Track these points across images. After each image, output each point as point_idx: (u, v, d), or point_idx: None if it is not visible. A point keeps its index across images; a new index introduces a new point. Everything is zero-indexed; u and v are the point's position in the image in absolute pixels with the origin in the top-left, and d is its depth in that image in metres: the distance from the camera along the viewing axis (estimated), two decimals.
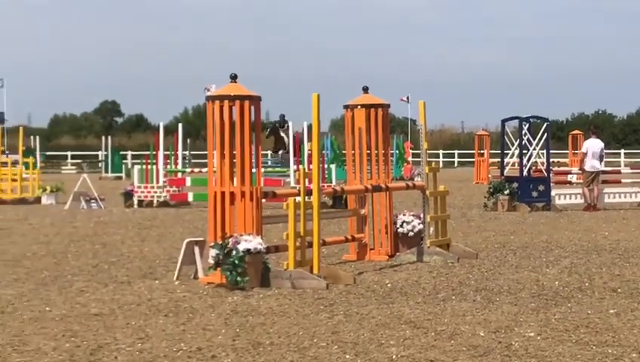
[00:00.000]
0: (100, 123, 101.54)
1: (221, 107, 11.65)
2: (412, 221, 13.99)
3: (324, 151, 34.28)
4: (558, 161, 40.54)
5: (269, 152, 42.81)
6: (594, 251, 14.80)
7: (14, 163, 30.75)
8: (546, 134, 24.85)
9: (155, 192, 26.41)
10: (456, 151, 73.65)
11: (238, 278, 10.96)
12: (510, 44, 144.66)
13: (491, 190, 24.36)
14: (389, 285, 11.40)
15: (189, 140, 46.85)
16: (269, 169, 31.89)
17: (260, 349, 7.97)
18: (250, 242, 11.14)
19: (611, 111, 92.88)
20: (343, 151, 29.30)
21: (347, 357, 7.70)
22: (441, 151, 71.25)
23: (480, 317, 9.32)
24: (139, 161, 37.76)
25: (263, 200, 11.89)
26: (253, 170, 11.71)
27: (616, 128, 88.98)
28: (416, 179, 35.14)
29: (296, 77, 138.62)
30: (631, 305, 9.97)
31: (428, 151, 14.09)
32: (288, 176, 27.61)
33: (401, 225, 13.99)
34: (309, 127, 26.89)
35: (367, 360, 7.58)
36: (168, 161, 28.56)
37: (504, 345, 8.08)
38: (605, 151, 26.03)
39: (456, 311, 9.65)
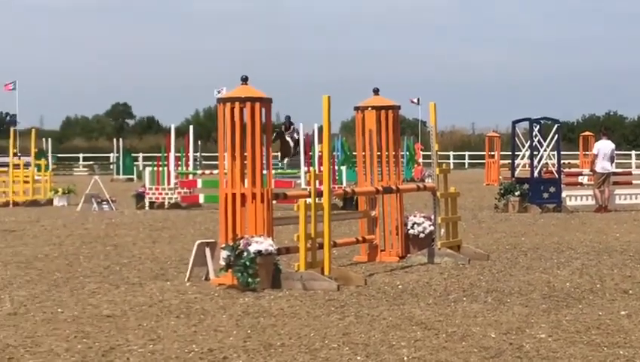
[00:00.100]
0: (112, 125, 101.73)
1: (232, 109, 11.65)
2: (423, 222, 13.98)
3: (334, 153, 34.27)
4: (569, 163, 40.46)
5: (279, 154, 42.76)
6: (605, 252, 14.76)
7: (26, 165, 30.81)
8: (556, 136, 24.82)
9: (167, 194, 26.43)
10: (466, 153, 73.58)
11: (249, 280, 10.97)
12: (520, 46, 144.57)
13: (502, 191, 24.32)
14: (399, 286, 11.39)
15: (200, 142, 46.99)
16: (280, 170, 31.89)
17: (271, 350, 7.97)
18: (261, 244, 11.14)
19: (622, 113, 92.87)
20: (354, 153, 29.32)
21: (358, 358, 7.69)
22: (451, 153, 71.21)
23: (491, 318, 9.31)
24: (150, 162, 37.78)
25: (274, 202, 11.89)
26: (264, 172, 11.71)
27: (627, 129, 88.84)
28: (426, 180, 35.16)
29: (306, 79, 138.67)
30: None
31: (438, 153, 14.07)
32: (299, 177, 27.62)
33: (412, 227, 13.98)
34: (320, 129, 26.90)
35: None
36: (179, 162, 28.60)
37: (515, 346, 8.07)
38: (616, 152, 25.99)
39: (468, 312, 9.63)
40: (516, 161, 25.59)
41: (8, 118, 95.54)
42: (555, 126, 25.03)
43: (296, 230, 11.47)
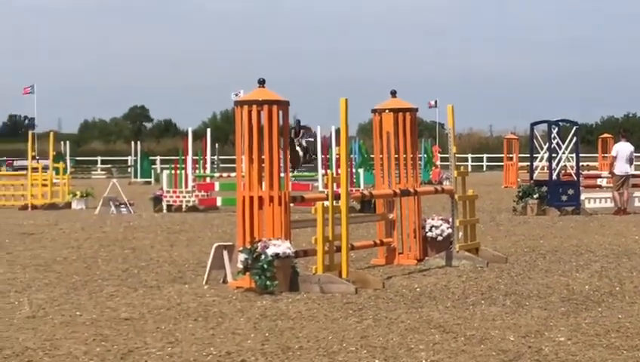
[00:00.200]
0: (130, 128, 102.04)
1: (249, 112, 11.66)
2: (441, 225, 13.96)
3: (352, 156, 34.26)
4: (588, 165, 40.36)
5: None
6: (624, 255, 14.71)
7: (45, 168, 30.94)
8: (575, 138, 24.75)
9: (184, 197, 26.48)
10: (484, 155, 73.44)
11: (267, 282, 10.97)
12: (538, 48, 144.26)
13: (520, 194, 24.26)
14: (417, 289, 11.38)
15: (217, 145, 47.04)
16: (298, 173, 31.91)
17: (289, 353, 7.98)
18: (279, 246, 11.15)
19: None
20: (371, 156, 29.31)
21: (376, 361, 7.69)
22: (469, 155, 71.07)
23: (510, 321, 9.29)
24: (168, 165, 37.85)
25: (292, 205, 11.90)
26: (282, 175, 11.71)
27: None
28: (444, 183, 35.11)
29: (324, 81, 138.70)
30: None
31: (456, 155, 14.05)
32: (316, 180, 27.63)
33: (430, 230, 13.96)
34: (337, 132, 26.89)
35: None
36: (197, 165, 28.66)
37: (534, 349, 8.05)
38: (635, 154, 25.86)
39: (486, 315, 9.62)
40: (535, 164, 25.52)
41: (27, 121, 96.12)
42: (574, 128, 24.96)
43: (314, 233, 11.47)
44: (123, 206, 26.09)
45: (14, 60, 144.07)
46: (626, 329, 8.89)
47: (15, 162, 62.04)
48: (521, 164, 42.25)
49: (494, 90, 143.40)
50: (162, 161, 60.91)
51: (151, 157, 58.85)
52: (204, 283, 11.81)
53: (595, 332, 8.76)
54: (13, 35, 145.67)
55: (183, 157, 27.56)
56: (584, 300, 10.52)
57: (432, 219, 14.08)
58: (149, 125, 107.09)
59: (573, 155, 24.86)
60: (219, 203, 26.36)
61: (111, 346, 8.30)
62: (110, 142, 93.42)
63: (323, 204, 11.47)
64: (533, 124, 26.16)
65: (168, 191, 26.65)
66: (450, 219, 13.81)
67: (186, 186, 26.65)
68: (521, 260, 14.07)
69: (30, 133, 34.84)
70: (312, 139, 36.74)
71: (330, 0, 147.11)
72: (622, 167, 24.38)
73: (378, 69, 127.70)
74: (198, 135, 37.30)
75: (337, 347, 8.20)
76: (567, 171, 25.24)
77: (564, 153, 24.67)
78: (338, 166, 23.93)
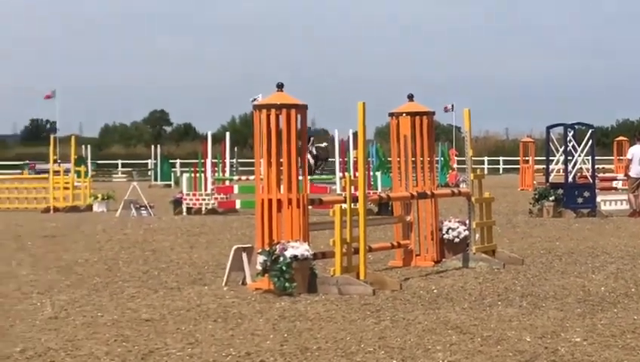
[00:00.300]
0: (150, 132, 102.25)
1: (268, 116, 11.67)
2: (457, 227, 13.94)
3: (369, 159, 34.23)
4: (603, 168, 40.19)
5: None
6: None
7: (66, 171, 31.04)
8: (590, 141, 24.68)
9: (204, 200, 26.53)
10: (501, 158, 73.24)
11: (286, 284, 10.98)
12: (554, 52, 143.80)
13: (536, 196, 24.21)
14: (435, 291, 11.37)
15: (236, 148, 47.11)
16: (316, 176, 31.92)
17: (308, 354, 7.98)
18: (298, 248, 11.15)
19: None
20: (389, 159, 29.28)
21: None
22: (485, 158, 70.93)
23: (526, 322, 9.27)
24: (187, 169, 37.92)
25: (310, 208, 11.90)
26: (300, 178, 11.72)
27: None
28: (461, 185, 35.05)
29: (341, 85, 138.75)
30: None
31: (473, 158, 14.03)
32: (334, 183, 27.63)
33: (447, 232, 13.95)
34: (355, 135, 26.89)
35: None
36: (216, 169, 28.68)
37: (551, 350, 8.03)
38: None
39: (503, 316, 9.60)
40: (550, 166, 25.46)
41: (48, 125, 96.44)
42: (589, 131, 24.89)
43: (332, 235, 11.47)
44: (143, 208, 26.15)
45: (37, 65, 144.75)
46: None
47: (37, 165, 62.26)
48: (537, 166, 42.15)
49: (511, 93, 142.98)
50: (182, 165, 60.93)
51: (171, 161, 58.93)
52: (223, 284, 11.82)
53: (610, 333, 8.74)
54: (37, 40, 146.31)
55: (203, 161, 27.61)
56: (600, 301, 10.49)
57: (449, 222, 14.07)
58: (168, 129, 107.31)
59: (589, 158, 24.78)
60: (238, 205, 26.39)
61: (132, 347, 8.33)
62: (130, 145, 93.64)
63: (341, 206, 11.47)
64: (549, 127, 26.11)
65: (188, 194, 26.70)
66: (467, 222, 13.79)
67: (206, 189, 26.71)
68: (537, 262, 14.04)
69: (52, 137, 34.93)
70: (324, 145, 36.67)
71: (346, 8, 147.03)
72: (637, 170, 24.27)
73: (395, 72, 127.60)
74: (218, 138, 37.36)
75: (355, 347, 8.20)
76: (583, 174, 25.17)
77: (579, 156, 24.60)
78: (356, 169, 23.91)
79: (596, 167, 25.76)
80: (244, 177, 30.39)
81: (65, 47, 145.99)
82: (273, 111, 11.66)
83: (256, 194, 11.90)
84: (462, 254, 13.57)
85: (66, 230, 20.97)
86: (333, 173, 29.81)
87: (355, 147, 27.84)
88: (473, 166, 13.99)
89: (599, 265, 13.68)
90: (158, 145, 57.29)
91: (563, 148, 24.82)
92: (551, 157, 25.65)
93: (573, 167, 24.48)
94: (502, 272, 12.93)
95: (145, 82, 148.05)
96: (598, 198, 24.49)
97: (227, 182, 28.25)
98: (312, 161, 35.56)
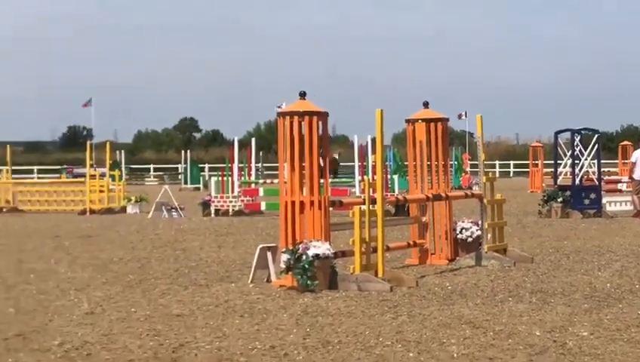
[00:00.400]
0: (180, 138, 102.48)
1: (291, 122, 11.67)
2: (470, 227, 13.90)
3: (387, 163, 34.19)
4: (609, 171, 39.98)
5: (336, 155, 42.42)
6: None
7: (102, 175, 31.16)
8: (596, 145, 24.57)
9: (231, 202, 26.56)
10: (511, 162, 73.02)
11: (308, 281, 10.97)
12: (562, 63, 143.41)
13: (545, 198, 24.12)
14: (449, 287, 11.34)
15: (261, 153, 47.08)
16: (336, 180, 31.91)
17: (329, 347, 7.97)
18: (319, 248, 11.15)
19: None
20: (405, 163, 29.25)
21: (410, 355, 7.67)
22: (497, 162, 70.71)
23: (536, 317, 9.23)
24: (215, 173, 37.92)
25: (331, 209, 11.89)
26: (321, 181, 11.72)
27: None
28: (474, 188, 34.95)
29: (360, 92, 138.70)
30: None
31: (485, 162, 13.99)
32: (354, 186, 27.61)
33: (461, 232, 13.91)
34: (373, 140, 26.87)
35: (430, 358, 7.55)
36: (242, 172, 28.73)
37: (559, 343, 7.99)
38: None
39: (513, 311, 9.56)
40: (558, 170, 25.36)
41: (85, 132, 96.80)
42: (595, 136, 24.78)
43: (352, 235, 11.46)
44: (174, 210, 26.20)
45: (74, 74, 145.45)
46: None
47: (75, 170, 62.53)
48: (546, 170, 41.93)
49: (521, 101, 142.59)
50: (210, 169, 61.08)
51: (200, 165, 59.02)
52: (249, 281, 11.83)
53: (616, 327, 8.69)
54: (77, 53, 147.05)
55: (230, 165, 27.66)
56: (606, 297, 10.43)
57: (463, 222, 14.03)
58: (197, 135, 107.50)
59: (595, 162, 24.68)
60: (263, 207, 26.40)
61: (163, 340, 8.34)
62: (162, 151, 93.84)
63: (360, 207, 11.46)
64: (557, 133, 26.00)
65: (216, 197, 26.74)
66: (480, 222, 13.75)
67: (233, 192, 26.74)
68: (546, 260, 13.99)
69: (88, 143, 35.10)
70: (336, 156, 36.64)
71: (366, 24, 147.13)
72: None
73: (411, 81, 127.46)
74: (244, 144, 37.42)
75: (374, 341, 8.19)
76: (589, 176, 25.07)
77: (586, 160, 24.50)
78: (374, 172, 23.89)
79: (602, 170, 25.63)
80: (268, 180, 30.45)
81: (103, 59, 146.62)
82: (296, 118, 11.66)
83: (280, 197, 11.91)
84: (475, 253, 13.53)
85: (101, 230, 21.04)
86: (353, 176, 29.79)
87: (374, 152, 27.85)
88: (485, 169, 13.95)
89: (605, 263, 13.61)
90: (188, 151, 57.41)
91: (570, 152, 24.70)
92: (559, 161, 25.55)
93: (580, 170, 24.37)
94: (512, 270, 12.88)
95: (176, 91, 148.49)
96: (604, 200, 24.37)
97: (253, 185, 28.28)
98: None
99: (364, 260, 11.37)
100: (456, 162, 45.75)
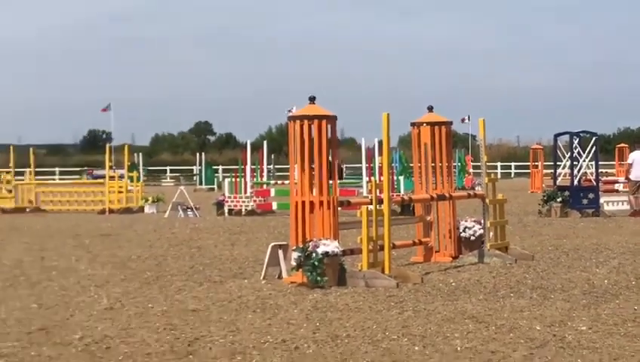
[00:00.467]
0: (195, 141, 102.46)
1: (301, 126, 11.68)
2: (473, 226, 13.89)
3: (393, 165, 34.16)
4: (606, 172, 39.92)
5: (344, 166, 42.51)
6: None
7: (121, 177, 31.20)
8: (594, 147, 24.52)
9: (244, 202, 26.57)
10: (512, 163, 72.90)
11: (318, 278, 10.97)
12: (561, 68, 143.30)
13: (545, 198, 24.07)
14: (453, 284, 11.32)
15: (272, 155, 47.06)
16: (344, 180, 31.89)
17: (338, 341, 7.97)
18: (328, 246, 11.15)
19: None
20: (411, 164, 29.22)
21: (416, 348, 7.66)
22: (499, 163, 70.57)
23: (536, 312, 9.22)
24: (229, 174, 38.01)
25: (339, 209, 11.89)
26: (330, 182, 11.71)
27: None
28: (476, 188, 34.91)
29: (367, 97, 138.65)
30: None
31: (487, 164, 13.97)
32: (361, 186, 27.60)
33: (464, 230, 13.90)
34: (380, 143, 26.86)
35: (434, 352, 7.54)
36: (255, 174, 28.73)
37: (559, 337, 7.98)
38: None
39: (515, 307, 9.55)
40: (558, 171, 25.31)
41: (104, 135, 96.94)
42: (593, 138, 24.73)
43: (360, 233, 11.46)
44: (189, 210, 26.22)
45: (94, 82, 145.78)
46: None
47: (94, 172, 62.61)
48: (545, 171, 41.85)
49: (521, 105, 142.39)
50: (224, 170, 61.02)
51: (214, 167, 59.02)
52: (261, 278, 11.83)
53: (613, 322, 8.67)
54: (96, 60, 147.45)
55: (243, 167, 27.66)
56: (603, 293, 10.41)
57: (466, 221, 14.02)
58: (212, 138, 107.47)
59: (593, 163, 24.63)
60: (274, 207, 26.41)
61: (179, 334, 8.35)
62: (178, 153, 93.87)
63: (367, 207, 11.46)
64: (556, 135, 25.96)
65: (229, 197, 26.75)
66: (482, 221, 13.73)
67: (245, 192, 26.75)
68: (546, 257, 13.96)
69: (108, 145, 35.10)
70: (343, 168, 36.63)
71: (378, 31, 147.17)
72: (637, 173, 24.11)
73: (416, 86, 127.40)
74: (256, 147, 37.40)
75: (381, 335, 8.19)
76: (588, 177, 25.02)
77: (584, 161, 24.45)
78: (381, 174, 23.89)
79: (599, 171, 25.57)
80: (279, 181, 30.42)
81: (121, 65, 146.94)
82: (306, 121, 11.67)
83: (290, 197, 11.91)
84: (477, 250, 13.51)
85: (120, 229, 21.07)
86: (361, 177, 29.78)
87: (380, 154, 27.84)
88: (487, 170, 13.93)
89: (602, 260, 13.58)
90: (203, 153, 57.45)
91: (569, 154, 24.66)
92: (558, 163, 25.50)
93: (578, 171, 24.33)
94: (514, 267, 12.86)
95: (191, 96, 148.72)
96: (602, 200, 24.32)
97: (264, 186, 28.28)
98: None
99: (372, 258, 11.36)
100: (459, 163, 45.67)
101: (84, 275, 12.66)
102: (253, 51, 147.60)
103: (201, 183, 52.74)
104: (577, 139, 24.57)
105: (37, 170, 36.84)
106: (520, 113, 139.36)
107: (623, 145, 41.37)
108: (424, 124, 14.01)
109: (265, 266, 11.96)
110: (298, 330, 8.47)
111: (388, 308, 9.63)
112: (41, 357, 7.57)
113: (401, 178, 29.37)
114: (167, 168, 75.85)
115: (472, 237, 13.84)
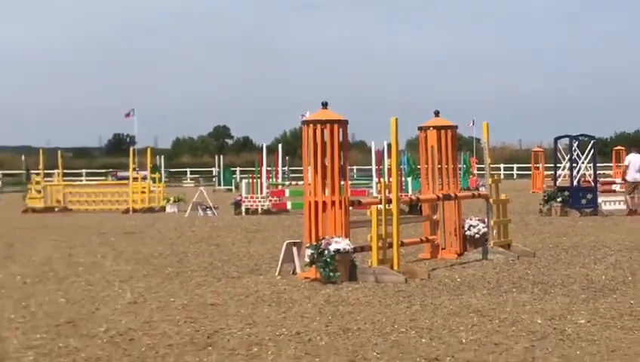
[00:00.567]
0: (214, 144, 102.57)
1: (314, 130, 11.68)
2: (478, 225, 13.86)
3: (401, 166, 34.12)
4: (604, 173, 39.79)
5: (355, 167, 42.55)
6: (636, 250, 14.48)
7: (143, 178, 31.25)
8: (593, 150, 24.46)
9: (260, 202, 26.59)
10: (515, 165, 72.69)
11: (330, 274, 10.97)
12: (561, 74, 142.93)
13: (546, 198, 24.01)
14: (458, 279, 11.30)
15: (287, 158, 47.09)
16: (355, 181, 31.88)
17: (349, 334, 7.96)
18: (340, 243, 11.14)
19: None
20: (418, 166, 29.19)
21: (423, 340, 7.65)
22: (502, 165, 70.44)
23: (537, 306, 9.19)
24: (246, 175, 38.08)
25: (350, 208, 11.88)
26: (342, 183, 11.71)
27: None
28: (480, 189, 34.82)
29: (377, 102, 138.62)
30: None
31: (491, 165, 13.95)
32: (371, 187, 27.58)
33: (469, 228, 13.87)
34: (389, 146, 26.83)
35: (441, 344, 7.53)
36: (270, 175, 28.74)
37: (559, 330, 7.96)
38: None
39: (517, 301, 9.52)
40: (558, 172, 25.25)
41: (128, 139, 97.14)
42: (592, 141, 24.67)
43: (370, 231, 11.45)
44: (209, 209, 26.26)
45: (120, 87, 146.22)
46: (638, 313, 8.75)
47: (119, 173, 62.73)
48: (546, 172, 41.74)
49: (523, 110, 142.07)
50: (241, 172, 61.11)
51: (232, 169, 59.08)
52: (276, 274, 11.84)
53: (611, 315, 8.64)
54: (121, 70, 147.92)
55: (259, 169, 27.69)
56: (601, 288, 10.37)
57: (470, 220, 13.99)
58: (230, 141, 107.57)
59: (591, 165, 24.56)
60: (289, 207, 26.42)
61: (199, 327, 8.36)
62: (197, 156, 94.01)
63: (377, 207, 11.45)
64: (556, 139, 25.90)
65: (247, 197, 26.77)
66: (486, 220, 13.71)
67: (262, 193, 26.77)
68: (546, 254, 13.92)
69: (131, 148, 35.19)
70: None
71: (389, 41, 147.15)
72: (633, 175, 24.02)
73: (423, 91, 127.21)
74: (271, 149, 37.40)
75: (390, 328, 8.18)
76: (586, 178, 24.95)
77: (583, 163, 24.39)
78: (390, 175, 23.86)
79: (597, 172, 25.49)
80: (294, 182, 30.42)
81: (145, 74, 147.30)
82: (319, 125, 11.67)
83: (304, 197, 11.91)
84: (481, 248, 13.49)
85: (143, 228, 21.11)
86: (371, 178, 29.76)
87: (389, 156, 27.82)
88: (491, 172, 13.91)
89: (600, 257, 13.53)
90: (221, 156, 57.52)
91: (569, 156, 24.60)
92: (558, 164, 25.44)
93: (577, 173, 24.27)
94: (516, 263, 12.83)
95: (210, 102, 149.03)
96: (600, 199, 24.24)
97: (279, 187, 28.29)
98: None
99: (381, 254, 11.36)
100: (464, 165, 45.56)
101: (109, 271, 12.68)
102: (269, 60, 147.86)
103: (219, 184, 52.76)
104: (576, 142, 24.51)
105: (65, 171, 36.93)
106: (522, 118, 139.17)
107: (619, 147, 41.16)
108: (431, 128, 14.00)
109: (280, 262, 11.96)
110: (311, 323, 8.47)
111: (397, 302, 9.62)
112: (68, 348, 7.59)
113: (409, 179, 29.31)
114: (188, 170, 75.93)
115: (477, 235, 13.81)
